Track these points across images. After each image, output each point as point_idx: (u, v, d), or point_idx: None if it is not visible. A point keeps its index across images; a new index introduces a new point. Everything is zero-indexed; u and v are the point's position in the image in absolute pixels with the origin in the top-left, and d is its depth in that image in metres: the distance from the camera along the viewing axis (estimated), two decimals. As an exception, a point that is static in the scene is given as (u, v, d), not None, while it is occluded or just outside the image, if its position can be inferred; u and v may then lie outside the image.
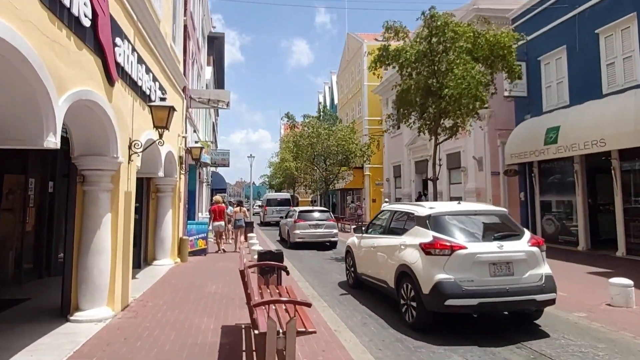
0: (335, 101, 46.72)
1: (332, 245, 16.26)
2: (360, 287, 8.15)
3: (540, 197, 15.09)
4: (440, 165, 12.89)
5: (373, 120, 34.42)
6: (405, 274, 5.99)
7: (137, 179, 9.15)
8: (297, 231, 16.00)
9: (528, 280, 5.53)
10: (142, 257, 9.95)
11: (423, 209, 6.45)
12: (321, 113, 26.37)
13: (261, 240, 17.27)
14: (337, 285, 8.89)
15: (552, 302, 5.67)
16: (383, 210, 8.38)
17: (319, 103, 32.79)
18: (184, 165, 11.35)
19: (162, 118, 6.36)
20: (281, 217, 20.73)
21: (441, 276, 5.41)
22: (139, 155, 6.60)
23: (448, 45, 11.93)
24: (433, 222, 6.02)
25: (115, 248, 5.98)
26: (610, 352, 4.93)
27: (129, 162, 6.38)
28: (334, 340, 4.98)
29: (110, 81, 5.53)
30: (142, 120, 7.15)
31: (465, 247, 5.53)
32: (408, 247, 6.10)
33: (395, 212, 7.40)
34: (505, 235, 5.91)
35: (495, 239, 5.78)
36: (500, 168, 18.86)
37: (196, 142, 11.51)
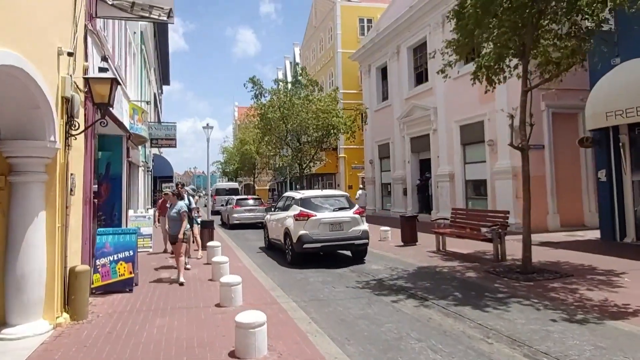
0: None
1: (264, 225, 18.73)
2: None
3: (635, 176, 10.62)
4: (532, 125, 7.87)
5: (349, 93, 29.29)
6: (287, 233, 10.12)
7: None
8: (235, 215, 19.13)
9: (351, 233, 9.70)
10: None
11: (298, 194, 10.75)
12: (297, 77, 20.70)
13: (221, 241, 11.81)
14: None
15: (366, 244, 10.04)
16: (282, 196, 12.78)
17: (296, 64, 25.87)
18: (76, 121, 5.54)
19: None
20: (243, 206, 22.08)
21: (302, 232, 9.52)
22: None
23: None
24: (302, 202, 10.13)
25: None
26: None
27: None
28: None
29: None
30: None
31: (315, 215, 9.64)
32: (289, 217, 10.19)
33: (287, 197, 11.62)
34: (340, 208, 10.10)
35: (334, 210, 9.99)
36: (545, 140, 14.33)
37: (101, 68, 5.66)
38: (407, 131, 21.52)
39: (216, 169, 53.09)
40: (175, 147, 22.16)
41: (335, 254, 10.67)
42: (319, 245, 9.45)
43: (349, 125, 20.80)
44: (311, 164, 22.61)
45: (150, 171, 22.23)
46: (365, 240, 9.83)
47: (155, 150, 25.38)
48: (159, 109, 28.72)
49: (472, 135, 16.80)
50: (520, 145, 7.74)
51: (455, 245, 11.03)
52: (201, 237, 12.28)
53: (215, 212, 28.99)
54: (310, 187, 37.35)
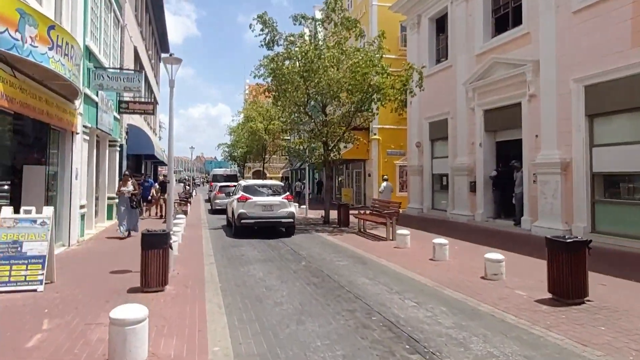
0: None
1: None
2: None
3: None
4: None
5: (386, 59, 22.72)
6: (233, 211, 12.67)
7: None
8: (217, 201, 20.73)
9: (280, 213, 12.20)
10: None
11: (244, 182, 13.91)
12: (330, 14, 14.19)
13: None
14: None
15: (292, 223, 12.42)
16: (237, 184, 15.12)
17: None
18: None
19: None
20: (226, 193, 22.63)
21: (241, 210, 12.01)
22: None
23: None
24: (245, 188, 12.76)
25: None
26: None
27: None
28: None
29: None
30: None
31: (251, 198, 12.16)
32: (235, 200, 12.74)
33: (238, 184, 14.32)
34: (273, 193, 12.70)
35: (268, 195, 12.55)
36: None
37: None
38: (479, 101, 15.08)
39: (222, 152, 47.06)
40: (152, 113, 16.10)
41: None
42: (253, 221, 12.03)
43: (398, 90, 14.39)
44: (340, 145, 16.32)
45: (120, 147, 16.20)
46: (291, 220, 12.39)
47: (127, 118, 19.28)
48: (145, 72, 22.58)
49: (613, 100, 10.31)
50: None
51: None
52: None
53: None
54: (334, 177, 31.35)
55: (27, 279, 6.11)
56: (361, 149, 22.91)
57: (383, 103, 14.38)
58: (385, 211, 11.71)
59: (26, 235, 6.26)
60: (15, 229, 6.23)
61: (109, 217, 15.15)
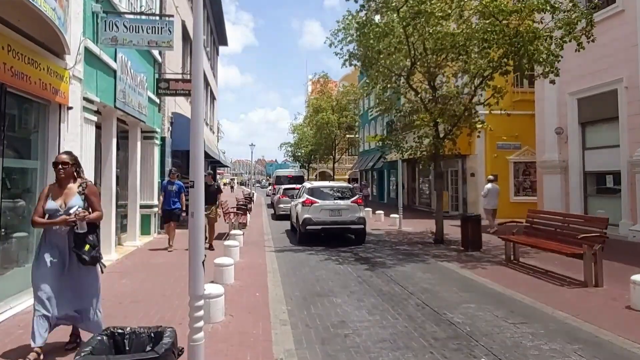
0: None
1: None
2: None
3: None
4: None
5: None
6: (297, 216, 11.79)
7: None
8: (281, 205, 19.11)
9: (348, 218, 11.13)
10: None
11: (309, 184, 12.97)
12: None
13: None
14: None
15: (362, 229, 11.33)
16: (301, 186, 13.79)
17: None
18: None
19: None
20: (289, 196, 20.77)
21: (306, 215, 11.14)
22: None
23: None
24: (309, 191, 11.78)
25: None
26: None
27: None
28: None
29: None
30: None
31: (317, 202, 11.20)
32: (299, 203, 11.76)
33: (302, 186, 13.30)
34: (341, 197, 11.57)
35: (335, 199, 11.47)
36: None
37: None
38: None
39: (285, 153, 43.34)
40: (188, 94, 12.15)
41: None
42: (319, 227, 11.12)
43: (559, 41, 9.26)
44: (456, 132, 11.36)
45: (161, 140, 12.45)
46: (361, 225, 11.24)
47: (169, 101, 15.57)
48: (191, 46, 19.06)
49: None
50: None
51: None
52: None
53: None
54: (417, 182, 26.46)
55: None
56: (461, 141, 17.68)
57: (540, 60, 9.24)
58: (582, 235, 6.64)
59: None
60: None
61: (145, 232, 11.39)
